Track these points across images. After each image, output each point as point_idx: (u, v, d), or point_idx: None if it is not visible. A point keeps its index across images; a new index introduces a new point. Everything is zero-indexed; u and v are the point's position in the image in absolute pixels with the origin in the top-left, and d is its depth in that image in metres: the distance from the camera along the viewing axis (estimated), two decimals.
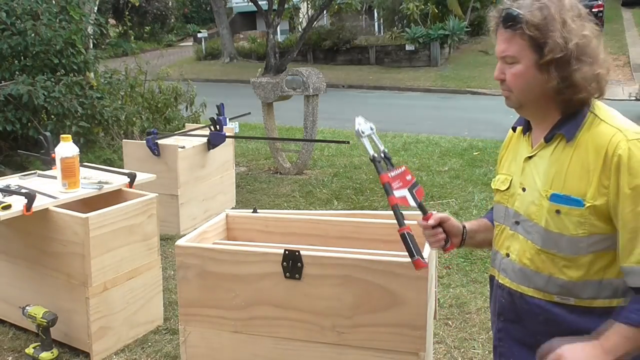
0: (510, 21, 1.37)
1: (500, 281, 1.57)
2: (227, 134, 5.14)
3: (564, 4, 1.39)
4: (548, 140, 1.45)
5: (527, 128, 1.54)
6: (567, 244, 1.40)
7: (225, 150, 5.36)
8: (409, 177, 1.67)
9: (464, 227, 1.70)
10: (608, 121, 1.38)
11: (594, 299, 1.41)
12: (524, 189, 1.49)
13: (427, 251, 1.95)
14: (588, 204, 1.36)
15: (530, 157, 1.49)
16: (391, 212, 2.40)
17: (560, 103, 1.41)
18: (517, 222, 1.51)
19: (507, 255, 1.54)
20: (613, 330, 1.32)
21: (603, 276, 1.39)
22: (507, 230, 1.56)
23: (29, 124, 5.72)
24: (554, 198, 1.42)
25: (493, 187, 1.63)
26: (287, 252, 1.94)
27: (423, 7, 19.32)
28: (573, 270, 1.41)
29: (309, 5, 19.84)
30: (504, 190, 1.56)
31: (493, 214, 1.65)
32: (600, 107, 1.42)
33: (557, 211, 1.41)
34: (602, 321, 1.37)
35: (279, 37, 20.02)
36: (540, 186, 1.45)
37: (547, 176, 1.43)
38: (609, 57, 1.44)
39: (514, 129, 1.61)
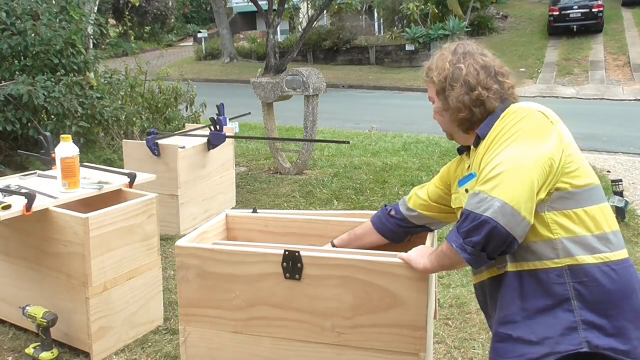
0: (426, 72, 1.78)
1: (474, 282, 1.78)
2: (227, 134, 5.14)
3: (461, 50, 1.71)
4: (476, 145, 1.66)
5: (468, 148, 1.77)
6: None
7: (225, 150, 5.36)
8: None
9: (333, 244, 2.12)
10: (511, 107, 1.60)
11: (521, 261, 1.51)
12: (466, 190, 1.70)
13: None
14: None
15: (469, 167, 1.75)
16: None
17: (468, 127, 1.69)
18: None
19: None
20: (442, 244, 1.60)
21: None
22: None
23: (29, 124, 5.72)
24: (460, 183, 1.74)
25: (454, 206, 1.85)
26: (287, 252, 1.94)
27: (423, 7, 19.32)
28: None
29: (309, 5, 19.83)
30: (458, 207, 1.76)
31: None
32: (515, 104, 1.63)
33: (466, 190, 1.68)
34: (524, 283, 1.50)
35: (279, 37, 20.03)
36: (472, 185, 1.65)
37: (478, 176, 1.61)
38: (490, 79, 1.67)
39: (460, 152, 1.87)
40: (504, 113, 1.59)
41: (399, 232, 2.07)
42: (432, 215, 2.00)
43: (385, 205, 2.14)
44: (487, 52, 1.70)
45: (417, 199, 2.02)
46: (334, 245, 2.04)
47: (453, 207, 1.84)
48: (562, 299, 1.44)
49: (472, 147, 1.69)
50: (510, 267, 1.52)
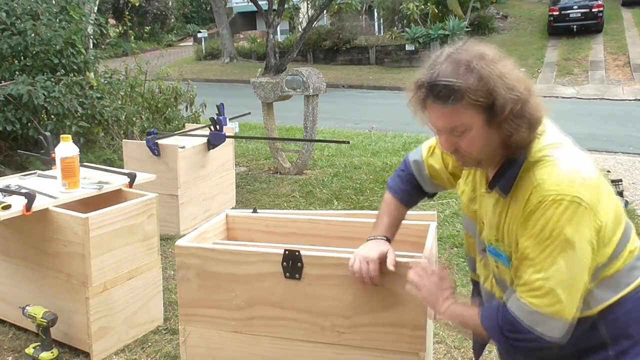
0: (449, 94, 1.26)
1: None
2: (227, 134, 5.14)
3: (486, 56, 1.31)
4: (491, 189, 1.45)
5: None
6: (510, 290, 1.45)
7: (225, 150, 5.36)
8: None
9: (388, 239, 1.80)
10: (535, 170, 1.33)
11: None
12: (483, 222, 1.53)
13: (426, 250, 1.95)
14: (515, 263, 1.39)
15: (484, 193, 1.50)
16: None
17: (517, 147, 1.34)
18: (484, 250, 1.56)
19: (476, 283, 1.69)
20: (465, 306, 1.51)
21: None
22: (477, 254, 1.63)
23: (29, 124, 5.72)
24: (492, 251, 1.48)
25: (460, 196, 1.65)
26: (287, 252, 1.93)
27: (423, 7, 19.32)
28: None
29: (309, 5, 19.82)
30: (473, 210, 1.58)
31: (464, 223, 1.71)
32: (536, 147, 1.36)
33: (496, 262, 1.49)
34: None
35: (279, 37, 20.02)
36: (487, 230, 1.49)
37: (492, 223, 1.47)
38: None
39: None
40: (537, 187, 1.30)
41: (417, 194, 1.84)
42: (440, 184, 1.79)
43: (399, 172, 1.85)
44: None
45: (432, 170, 1.76)
46: (388, 240, 1.79)
47: (460, 195, 1.66)
48: (599, 344, 1.41)
49: (486, 188, 1.48)
50: None
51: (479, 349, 1.78)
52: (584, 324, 1.37)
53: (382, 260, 1.74)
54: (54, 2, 6.17)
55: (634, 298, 1.40)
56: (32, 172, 3.49)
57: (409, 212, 2.38)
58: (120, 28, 24.84)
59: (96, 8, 8.02)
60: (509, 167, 1.37)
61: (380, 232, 1.80)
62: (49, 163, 3.48)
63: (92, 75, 6.53)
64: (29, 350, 2.91)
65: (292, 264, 1.93)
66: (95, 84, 6.32)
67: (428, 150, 1.77)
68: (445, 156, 1.70)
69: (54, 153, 3.05)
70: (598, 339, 1.40)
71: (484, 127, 1.30)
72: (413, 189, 1.80)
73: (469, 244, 1.70)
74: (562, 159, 1.33)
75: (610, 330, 1.39)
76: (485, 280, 1.61)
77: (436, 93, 1.28)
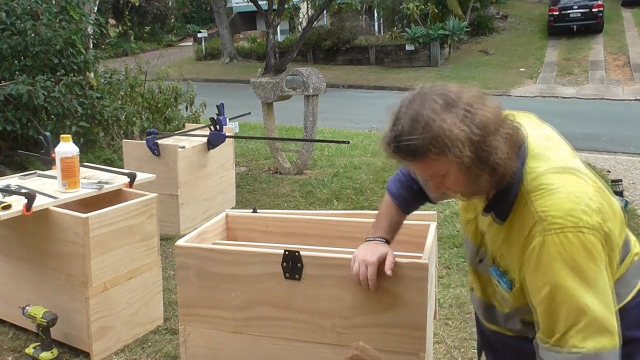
0: (414, 154, 1.29)
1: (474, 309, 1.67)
2: (227, 134, 5.14)
3: (439, 104, 1.28)
4: (487, 212, 1.44)
5: None
6: (511, 305, 1.44)
7: (225, 150, 5.36)
8: None
9: (387, 242, 1.78)
10: (534, 202, 1.30)
11: None
12: (483, 234, 1.51)
13: (426, 251, 1.95)
14: (516, 286, 1.38)
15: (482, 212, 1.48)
16: None
17: (501, 178, 1.33)
18: (480, 261, 1.55)
19: (472, 289, 1.64)
20: None
21: None
22: (471, 266, 1.62)
23: (29, 124, 5.72)
24: (494, 272, 1.46)
25: (459, 206, 1.66)
26: (287, 252, 1.93)
27: (423, 7, 19.32)
28: (525, 315, 1.43)
29: (309, 5, 19.83)
30: (469, 219, 1.57)
31: (462, 234, 1.72)
32: (530, 175, 1.33)
33: (497, 283, 1.46)
34: None
35: (279, 37, 20.03)
36: (489, 245, 1.48)
37: (492, 245, 1.46)
38: (495, 105, 1.34)
39: None
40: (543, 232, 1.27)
41: (417, 199, 1.81)
42: None
43: (397, 179, 1.83)
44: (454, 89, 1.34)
45: None
46: (387, 242, 1.78)
47: (459, 206, 1.67)
48: None
49: (481, 212, 1.48)
50: None
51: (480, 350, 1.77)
52: None
53: (382, 263, 1.73)
54: (54, 2, 6.17)
55: (636, 302, 1.40)
56: (32, 172, 3.49)
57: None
58: (120, 28, 24.85)
59: (96, 8, 8.02)
60: (504, 196, 1.36)
61: (379, 233, 1.78)
62: (49, 163, 3.48)
63: (92, 75, 6.53)
64: (29, 350, 2.91)
65: (292, 264, 1.93)
66: (95, 84, 6.32)
67: None
68: None
69: (54, 153, 3.04)
70: None
71: (459, 170, 1.31)
72: (412, 196, 1.77)
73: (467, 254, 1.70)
74: (559, 186, 1.29)
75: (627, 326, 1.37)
76: (478, 289, 1.60)
77: (401, 153, 1.32)
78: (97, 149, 6.33)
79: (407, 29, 19.49)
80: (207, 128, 5.23)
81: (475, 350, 2.96)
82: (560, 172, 1.32)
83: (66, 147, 2.99)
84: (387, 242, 1.77)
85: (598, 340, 1.23)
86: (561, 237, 1.24)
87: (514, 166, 1.32)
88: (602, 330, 1.23)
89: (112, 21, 25.03)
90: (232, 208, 5.22)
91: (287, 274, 1.94)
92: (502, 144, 1.28)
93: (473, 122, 1.26)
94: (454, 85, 1.35)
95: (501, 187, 1.36)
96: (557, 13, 20.13)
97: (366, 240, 1.79)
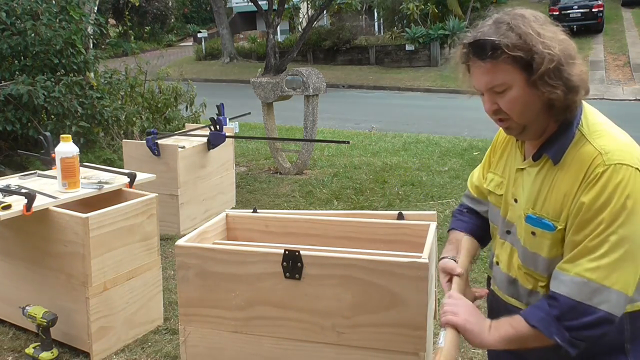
0: (489, 51, 1.30)
1: (492, 287, 1.61)
2: (227, 134, 5.14)
3: (526, 17, 1.33)
4: (536, 159, 1.43)
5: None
6: (542, 265, 1.40)
7: (225, 150, 5.36)
8: None
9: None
10: (593, 141, 1.33)
11: None
12: (515, 200, 1.48)
13: (426, 251, 1.95)
14: (559, 227, 1.35)
15: (522, 169, 1.47)
16: (391, 212, 2.41)
17: (559, 112, 1.35)
18: (508, 232, 1.52)
19: (497, 263, 1.57)
20: (507, 319, 1.37)
21: None
22: (498, 238, 1.57)
23: (29, 124, 5.72)
24: (529, 220, 1.42)
25: (486, 186, 1.61)
26: (287, 252, 1.93)
27: (423, 7, 19.32)
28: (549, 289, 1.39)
29: (309, 5, 19.84)
30: (499, 195, 1.55)
31: (489, 214, 1.64)
32: (588, 120, 1.39)
33: (533, 233, 1.41)
34: None
35: (279, 37, 20.04)
36: (523, 203, 1.44)
37: (530, 195, 1.42)
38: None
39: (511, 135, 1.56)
40: (595, 163, 1.29)
41: (484, 225, 1.73)
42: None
43: (458, 212, 1.81)
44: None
45: (476, 189, 1.74)
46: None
47: (484, 186, 1.62)
48: (618, 346, 1.37)
49: (529, 160, 1.45)
50: None
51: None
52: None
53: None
54: (54, 2, 6.17)
55: None
56: (32, 172, 3.49)
57: (409, 212, 2.38)
58: (120, 28, 24.85)
59: (96, 8, 8.02)
60: (560, 136, 1.38)
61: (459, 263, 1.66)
62: (49, 163, 3.48)
63: (92, 75, 6.53)
64: (29, 350, 2.91)
65: (292, 264, 1.93)
66: (95, 84, 6.32)
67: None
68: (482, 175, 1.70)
69: (54, 153, 3.05)
70: (620, 341, 1.36)
71: (523, 87, 1.31)
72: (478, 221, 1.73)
73: (492, 234, 1.64)
74: (618, 134, 1.36)
75: (633, 335, 1.36)
76: (504, 262, 1.54)
77: (477, 49, 1.32)
78: (97, 149, 6.34)
79: (407, 29, 19.49)
80: (207, 128, 5.23)
81: (475, 351, 2.97)
82: (616, 127, 1.38)
83: (66, 147, 2.99)
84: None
85: (615, 275, 1.24)
86: (624, 170, 1.26)
87: (569, 104, 1.33)
88: (620, 267, 1.25)
89: (112, 21, 25.04)
90: (232, 208, 5.22)
91: (287, 274, 1.94)
92: (567, 76, 1.30)
93: (557, 39, 1.30)
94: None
95: (558, 124, 1.37)
96: (557, 13, 20.12)
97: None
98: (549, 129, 1.39)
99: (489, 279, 1.67)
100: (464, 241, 1.68)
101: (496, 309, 1.58)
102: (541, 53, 1.27)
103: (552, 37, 1.31)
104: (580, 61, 1.34)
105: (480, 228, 1.71)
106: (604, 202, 1.26)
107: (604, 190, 1.27)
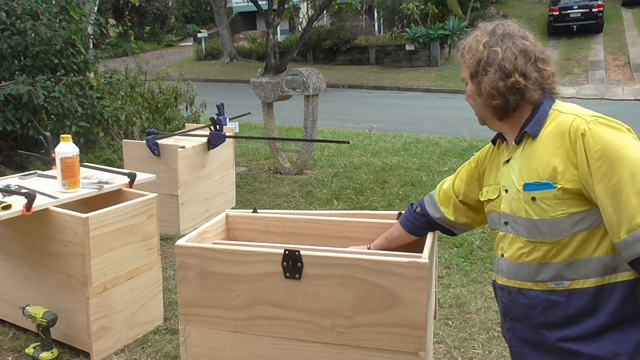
0: (458, 50, 1.64)
1: (499, 282, 1.64)
2: (227, 134, 5.14)
3: (495, 33, 1.56)
4: (518, 141, 1.56)
5: (503, 138, 1.65)
6: (549, 228, 1.45)
7: (225, 150, 5.36)
8: None
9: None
10: (567, 111, 1.49)
11: (586, 278, 1.44)
12: (506, 191, 1.58)
13: (426, 251, 1.95)
14: (559, 186, 1.43)
15: (507, 161, 1.59)
16: (391, 212, 2.41)
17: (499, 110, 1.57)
18: (505, 223, 1.58)
19: (502, 255, 1.61)
20: None
21: (591, 254, 1.43)
22: (499, 233, 1.63)
23: (29, 124, 5.72)
24: (527, 187, 1.49)
25: (483, 199, 1.71)
26: (287, 252, 1.93)
27: (423, 7, 19.32)
28: (560, 254, 1.46)
29: (309, 5, 19.84)
30: (494, 199, 1.64)
31: (489, 224, 1.71)
32: (560, 104, 1.56)
33: (533, 198, 1.48)
34: (596, 300, 1.43)
35: (279, 37, 20.03)
36: (516, 182, 1.53)
37: (520, 171, 1.52)
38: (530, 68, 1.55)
39: (493, 142, 1.72)
40: (569, 126, 1.44)
41: (427, 228, 2.00)
42: (454, 220, 1.89)
43: (412, 204, 2.06)
44: (528, 35, 1.57)
45: (443, 195, 1.91)
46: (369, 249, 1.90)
47: (481, 199, 1.72)
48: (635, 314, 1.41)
49: (512, 142, 1.59)
50: (591, 282, 1.44)
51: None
52: (627, 288, 1.40)
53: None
54: (54, 2, 6.17)
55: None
56: (32, 172, 3.49)
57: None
58: (120, 28, 24.83)
59: (96, 8, 8.03)
60: (533, 115, 1.54)
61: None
62: (49, 163, 3.48)
63: (92, 75, 6.53)
64: (29, 350, 2.91)
65: (292, 264, 1.93)
66: (95, 84, 6.33)
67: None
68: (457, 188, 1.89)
69: (54, 153, 3.04)
70: (636, 309, 1.40)
71: (474, 88, 1.58)
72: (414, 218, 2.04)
73: (495, 240, 1.68)
74: (587, 110, 1.50)
75: None
76: (508, 250, 1.58)
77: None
78: (97, 149, 6.34)
79: (407, 29, 19.50)
80: (207, 128, 5.23)
81: (475, 351, 2.97)
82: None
83: (66, 147, 2.99)
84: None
85: None
86: (602, 124, 1.42)
87: (535, 92, 1.53)
88: None
89: (112, 21, 25.03)
90: (232, 208, 5.22)
91: (287, 274, 1.94)
92: (490, 80, 1.53)
93: (515, 48, 1.53)
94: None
95: (532, 111, 1.55)
96: (557, 13, 20.14)
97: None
98: (522, 115, 1.56)
99: (494, 283, 1.70)
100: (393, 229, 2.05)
101: (509, 301, 1.61)
102: (484, 67, 1.55)
103: (506, 57, 1.53)
104: (518, 71, 1.54)
105: (419, 228, 2.00)
106: (604, 155, 1.37)
107: (603, 147, 1.37)
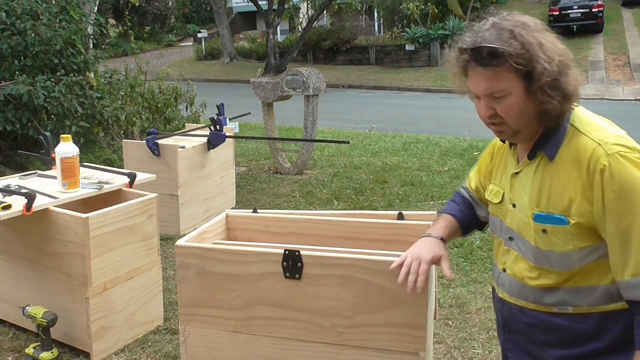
0: (492, 58, 1.30)
1: (499, 295, 1.60)
2: (227, 134, 5.14)
3: (529, 25, 1.36)
4: (531, 158, 1.45)
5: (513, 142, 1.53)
6: (558, 260, 1.41)
7: (225, 150, 5.36)
8: None
9: (442, 240, 1.68)
10: (588, 133, 1.36)
11: (592, 305, 1.41)
12: (514, 205, 1.50)
13: None
14: (573, 221, 1.36)
15: (516, 173, 1.49)
16: (391, 212, 2.41)
17: (552, 118, 1.38)
18: (510, 238, 1.52)
19: (504, 270, 1.56)
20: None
21: (598, 283, 1.40)
22: (502, 246, 1.57)
23: (29, 124, 5.72)
24: (538, 218, 1.42)
25: (487, 197, 1.63)
26: (287, 252, 1.93)
27: (423, 7, 19.33)
28: (567, 282, 1.42)
29: (309, 5, 19.85)
30: (497, 203, 1.57)
31: (490, 225, 1.66)
32: (579, 116, 1.41)
33: (544, 230, 1.41)
34: (601, 325, 1.40)
35: (279, 37, 20.03)
36: (526, 203, 1.45)
37: (532, 194, 1.44)
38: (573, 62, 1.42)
39: (502, 140, 1.58)
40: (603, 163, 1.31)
41: (471, 218, 1.81)
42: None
43: (451, 200, 1.87)
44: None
45: (474, 189, 1.79)
46: (443, 240, 1.69)
47: (486, 196, 1.64)
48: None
49: (524, 153, 1.48)
50: (596, 309, 1.41)
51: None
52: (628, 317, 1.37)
53: (434, 263, 1.63)
54: (54, 2, 6.17)
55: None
56: (32, 172, 3.49)
57: (409, 212, 2.38)
58: (120, 28, 24.86)
59: (96, 8, 8.03)
60: (552, 133, 1.40)
61: (436, 231, 1.69)
62: (49, 163, 3.48)
63: (92, 75, 6.53)
64: (29, 350, 2.91)
65: (292, 263, 1.93)
66: (95, 84, 6.33)
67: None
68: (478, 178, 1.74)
69: (54, 153, 3.05)
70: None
71: (522, 94, 1.33)
72: (468, 210, 1.78)
73: (493, 246, 1.65)
74: (611, 126, 1.39)
75: None
76: (511, 270, 1.53)
77: (479, 57, 1.32)
78: (97, 149, 6.34)
79: (407, 29, 19.50)
80: (207, 128, 5.23)
81: (475, 351, 2.97)
82: (604, 120, 1.42)
83: (66, 147, 2.99)
84: (443, 240, 1.68)
85: None
86: (628, 158, 1.30)
87: (562, 111, 1.36)
88: None
89: (112, 21, 25.04)
90: (232, 208, 5.22)
91: (287, 274, 1.94)
92: (564, 86, 1.33)
93: (556, 50, 1.34)
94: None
95: (550, 126, 1.39)
96: (557, 13, 20.13)
97: (421, 237, 1.70)
98: (537, 133, 1.42)
99: (493, 290, 1.67)
100: (451, 227, 1.73)
101: (509, 315, 1.57)
102: (542, 65, 1.30)
103: (552, 48, 1.33)
104: (576, 69, 1.38)
105: (467, 217, 1.76)
106: (621, 195, 1.29)
107: (625, 186, 1.29)
